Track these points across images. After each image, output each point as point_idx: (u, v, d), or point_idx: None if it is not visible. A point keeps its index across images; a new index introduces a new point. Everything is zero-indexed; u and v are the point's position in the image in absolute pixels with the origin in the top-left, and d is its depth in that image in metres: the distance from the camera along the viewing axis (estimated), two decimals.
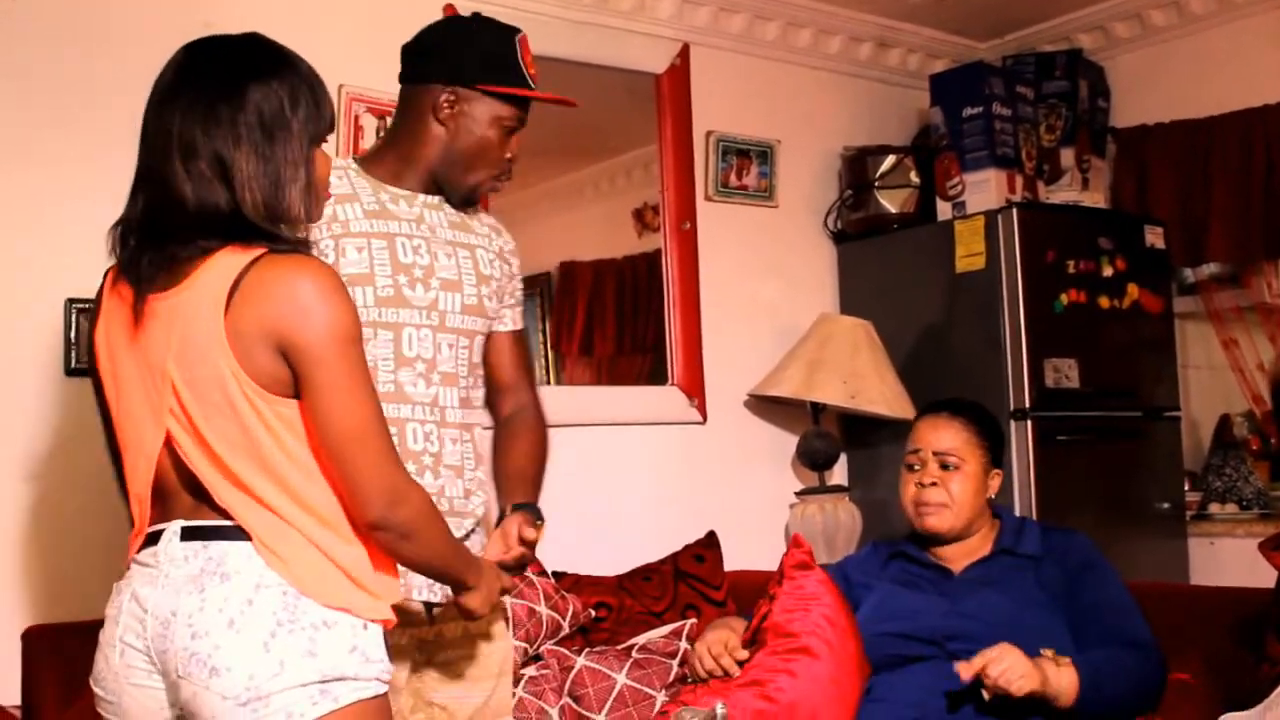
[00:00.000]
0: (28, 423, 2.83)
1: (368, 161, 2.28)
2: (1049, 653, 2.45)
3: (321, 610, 1.64)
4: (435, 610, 2.20)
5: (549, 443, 2.43)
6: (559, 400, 3.79)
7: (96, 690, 1.74)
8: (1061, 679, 2.41)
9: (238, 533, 1.65)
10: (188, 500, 1.69)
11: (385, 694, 1.70)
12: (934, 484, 2.75)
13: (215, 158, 1.66)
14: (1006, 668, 2.36)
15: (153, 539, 1.70)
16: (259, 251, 1.65)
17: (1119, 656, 2.54)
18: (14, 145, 2.85)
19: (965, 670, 2.39)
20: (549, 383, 4.05)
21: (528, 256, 3.91)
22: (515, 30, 2.27)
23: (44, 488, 2.83)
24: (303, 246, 1.71)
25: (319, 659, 1.61)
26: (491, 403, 2.41)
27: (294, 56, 1.78)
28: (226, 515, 1.66)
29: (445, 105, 2.21)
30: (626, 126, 4.14)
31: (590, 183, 4.27)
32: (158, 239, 1.68)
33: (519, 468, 2.37)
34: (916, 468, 2.81)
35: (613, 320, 4.16)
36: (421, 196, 2.26)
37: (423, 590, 2.16)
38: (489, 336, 2.35)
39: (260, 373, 1.64)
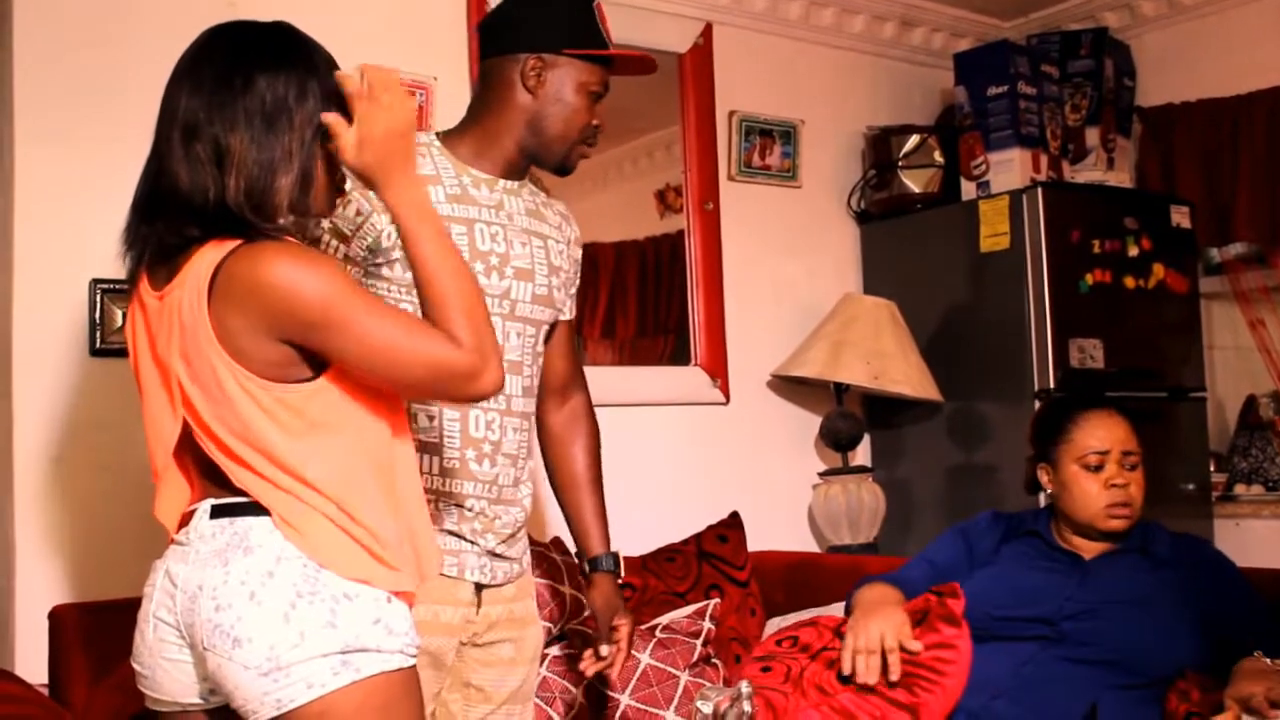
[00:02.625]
0: (53, 403, 2.85)
1: (450, 138, 2.25)
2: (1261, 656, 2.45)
3: (342, 582, 1.66)
4: (484, 591, 2.21)
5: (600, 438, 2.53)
6: None
7: (135, 665, 1.77)
8: None
9: (261, 508, 1.68)
10: (216, 483, 1.72)
11: (412, 668, 1.71)
12: (1126, 484, 2.71)
13: (213, 141, 1.67)
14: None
15: (187, 518, 1.74)
16: (235, 244, 1.65)
17: None
18: (39, 128, 2.86)
19: None
20: None
21: None
22: None
23: (70, 467, 2.85)
24: (277, 234, 1.69)
25: (340, 630, 1.63)
26: (543, 392, 2.42)
27: (315, 50, 1.78)
28: (249, 495, 1.69)
29: (532, 73, 2.18)
30: (648, 107, 4.12)
31: (612, 164, 4.25)
32: (148, 220, 1.71)
33: (590, 478, 2.53)
34: (1101, 468, 2.74)
35: (635, 301, 4.15)
36: (502, 181, 2.24)
37: (474, 571, 2.18)
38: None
39: (256, 361, 1.65)
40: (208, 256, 1.65)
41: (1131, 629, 2.60)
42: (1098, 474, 2.73)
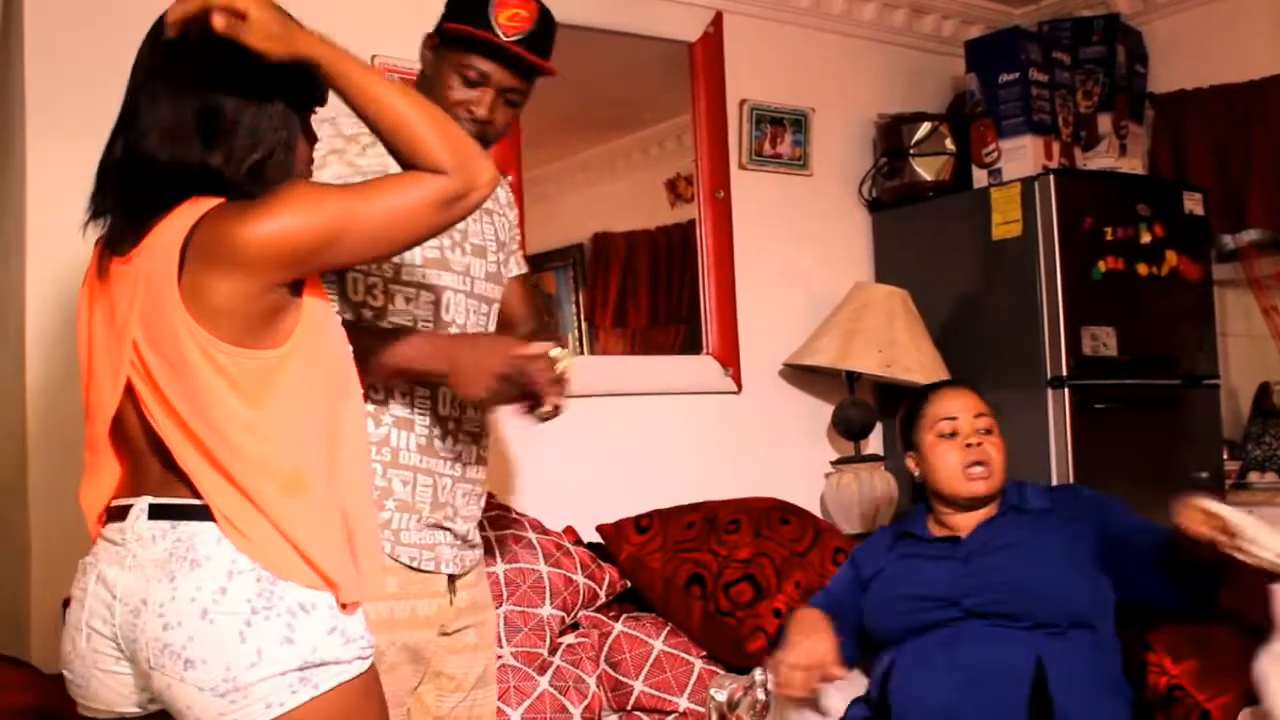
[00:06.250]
0: (67, 392, 2.85)
1: None
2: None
3: (298, 592, 1.60)
4: (457, 582, 2.21)
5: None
6: (594, 370, 3.80)
7: (65, 673, 1.70)
8: None
9: (206, 512, 1.60)
10: (156, 471, 1.65)
11: (368, 670, 1.66)
12: (979, 444, 2.81)
13: (201, 108, 1.63)
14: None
15: (119, 513, 1.66)
16: (211, 204, 1.61)
17: None
18: (50, 118, 2.86)
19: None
20: (583, 353, 4.04)
21: (560, 229, 3.99)
22: None
23: (84, 455, 2.85)
24: (259, 192, 1.63)
25: (298, 645, 1.57)
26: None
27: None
28: (193, 489, 1.61)
29: (425, 48, 2.19)
30: (659, 96, 4.12)
31: (623, 154, 4.25)
32: (129, 189, 1.65)
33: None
34: (955, 435, 2.84)
35: (646, 291, 4.15)
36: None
37: (449, 563, 2.17)
38: None
39: (237, 320, 1.60)
40: (181, 218, 1.60)
41: (1033, 582, 2.67)
42: (953, 440, 2.85)
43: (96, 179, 1.70)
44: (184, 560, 1.58)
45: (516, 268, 2.44)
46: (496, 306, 2.32)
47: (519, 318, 2.45)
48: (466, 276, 2.20)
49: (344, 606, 1.64)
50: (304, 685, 1.57)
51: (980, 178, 4.12)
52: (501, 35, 2.13)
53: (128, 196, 1.65)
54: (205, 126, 1.63)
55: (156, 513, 1.62)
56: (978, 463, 2.80)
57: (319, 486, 1.66)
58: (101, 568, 1.64)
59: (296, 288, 1.66)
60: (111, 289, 1.67)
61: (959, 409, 2.87)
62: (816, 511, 4.13)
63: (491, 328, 2.30)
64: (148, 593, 1.57)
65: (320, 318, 1.71)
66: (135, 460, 1.68)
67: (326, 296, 1.75)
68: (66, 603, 2.60)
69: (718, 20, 4.02)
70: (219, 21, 1.58)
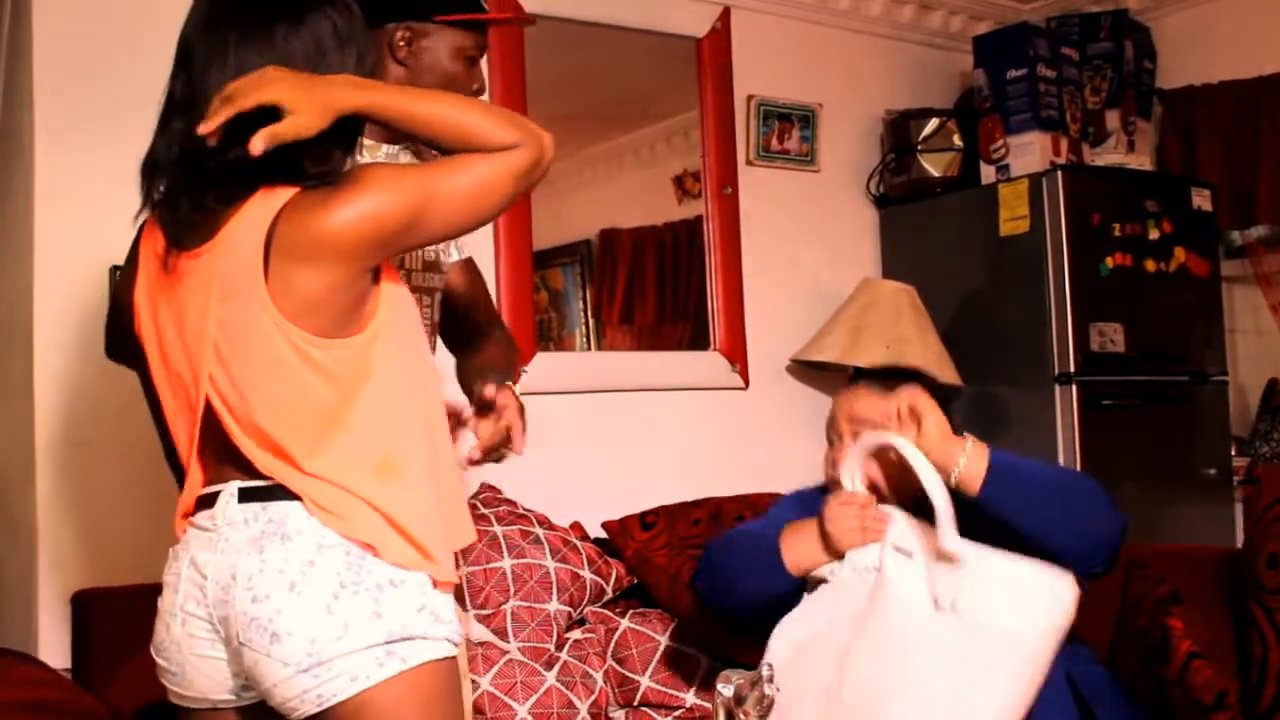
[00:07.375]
0: (75, 387, 2.86)
1: None
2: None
3: (387, 569, 1.57)
4: None
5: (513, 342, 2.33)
6: (601, 366, 3.81)
7: (159, 660, 1.68)
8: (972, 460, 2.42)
9: (293, 492, 1.58)
10: (242, 460, 1.61)
11: (455, 658, 1.63)
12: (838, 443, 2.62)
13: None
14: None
15: (207, 501, 1.63)
16: (290, 193, 1.56)
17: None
18: (59, 115, 2.87)
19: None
20: (590, 349, 4.04)
21: (567, 225, 3.99)
22: None
23: (92, 452, 2.85)
24: (332, 177, 1.59)
25: (385, 620, 1.54)
26: (452, 329, 2.33)
27: None
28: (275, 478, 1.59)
29: (402, 44, 2.09)
30: (666, 92, 4.11)
31: (630, 150, 4.25)
32: (193, 183, 1.59)
33: (485, 358, 2.22)
34: (834, 441, 2.66)
35: (653, 287, 4.15)
36: (384, 147, 2.14)
37: None
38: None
39: (327, 312, 1.57)
40: (255, 210, 1.55)
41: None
42: (832, 448, 2.66)
43: (147, 166, 1.65)
44: (274, 536, 1.56)
45: (457, 254, 2.33)
46: (440, 294, 2.27)
47: (475, 299, 2.36)
48: (400, 269, 2.11)
49: (435, 585, 1.62)
50: (391, 659, 1.54)
51: (988, 174, 4.12)
52: (485, 7, 2.15)
53: (196, 189, 1.59)
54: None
55: (246, 496, 1.60)
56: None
57: (414, 469, 1.64)
58: (194, 552, 1.63)
59: (375, 273, 1.63)
60: (179, 287, 1.62)
61: (839, 417, 2.66)
62: None
63: (435, 319, 2.25)
64: (237, 567, 1.56)
65: (398, 300, 1.68)
66: (217, 455, 1.65)
67: (399, 279, 1.71)
68: (74, 599, 2.63)
69: (725, 16, 4.02)
70: (258, 146, 1.50)
